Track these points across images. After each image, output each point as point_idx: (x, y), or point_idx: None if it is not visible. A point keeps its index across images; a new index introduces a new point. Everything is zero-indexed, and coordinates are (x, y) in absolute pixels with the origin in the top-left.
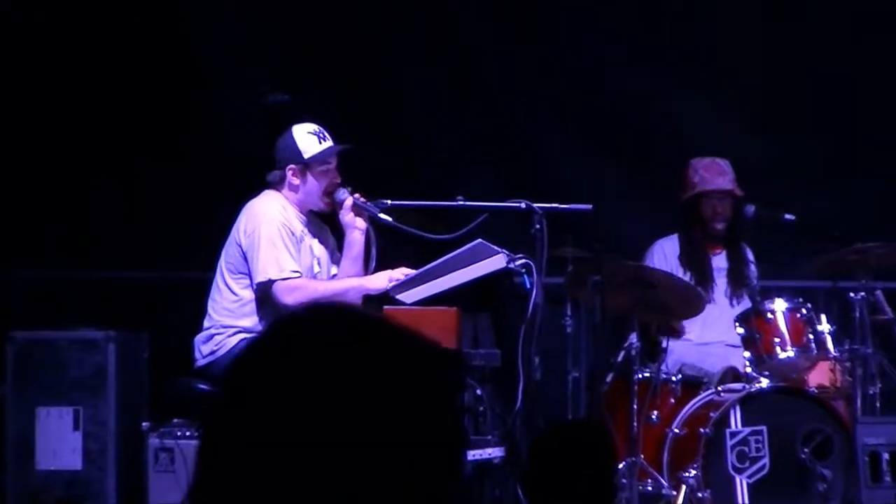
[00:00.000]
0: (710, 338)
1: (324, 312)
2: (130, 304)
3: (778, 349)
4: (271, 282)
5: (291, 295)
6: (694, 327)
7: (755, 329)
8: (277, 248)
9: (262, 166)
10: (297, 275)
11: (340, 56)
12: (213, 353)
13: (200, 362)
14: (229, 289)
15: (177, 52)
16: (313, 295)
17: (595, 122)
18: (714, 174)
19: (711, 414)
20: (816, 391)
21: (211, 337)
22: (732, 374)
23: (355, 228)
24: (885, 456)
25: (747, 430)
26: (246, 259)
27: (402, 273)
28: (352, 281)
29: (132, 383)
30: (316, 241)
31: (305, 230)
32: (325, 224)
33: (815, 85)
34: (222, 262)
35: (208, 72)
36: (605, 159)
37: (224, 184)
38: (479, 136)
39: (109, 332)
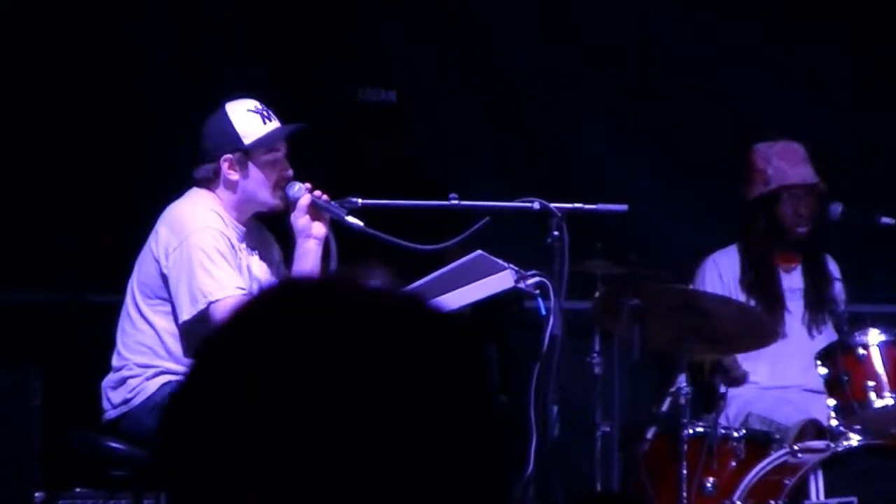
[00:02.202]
0: (784, 381)
1: (316, 288)
2: (16, 334)
3: (872, 395)
4: (211, 304)
5: None
6: (762, 367)
7: (842, 369)
8: (215, 262)
9: (189, 163)
10: (243, 292)
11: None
12: (126, 401)
13: (110, 413)
14: (143, 318)
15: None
16: None
17: (630, 98)
18: (793, 162)
19: (786, 481)
20: None
21: (123, 381)
22: (813, 429)
23: (310, 237)
24: None
25: (833, 502)
26: (165, 282)
27: None
28: None
29: (19, 439)
30: (255, 257)
31: (243, 245)
32: (268, 232)
33: None
34: (134, 283)
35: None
36: (643, 146)
37: (140, 183)
38: (479, 116)
39: None
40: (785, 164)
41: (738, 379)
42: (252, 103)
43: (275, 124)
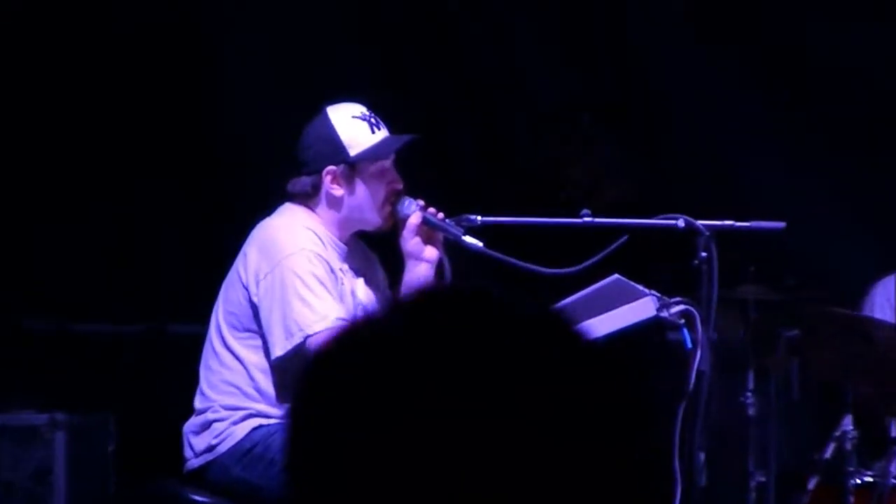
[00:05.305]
0: None
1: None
2: (88, 372)
3: None
4: (308, 338)
5: None
6: None
7: None
8: (312, 289)
9: (282, 173)
10: None
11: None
12: (211, 448)
13: (193, 462)
14: (231, 352)
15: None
16: None
17: (787, 104)
18: None
19: None
20: None
21: (207, 425)
22: None
23: (421, 260)
24: None
25: None
26: (255, 312)
27: None
28: None
29: (91, 489)
30: (361, 281)
31: (345, 267)
32: (372, 252)
33: None
34: (219, 313)
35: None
36: (802, 156)
37: (227, 198)
38: (612, 120)
39: (56, 415)
40: None
41: None
42: (357, 108)
43: (384, 133)
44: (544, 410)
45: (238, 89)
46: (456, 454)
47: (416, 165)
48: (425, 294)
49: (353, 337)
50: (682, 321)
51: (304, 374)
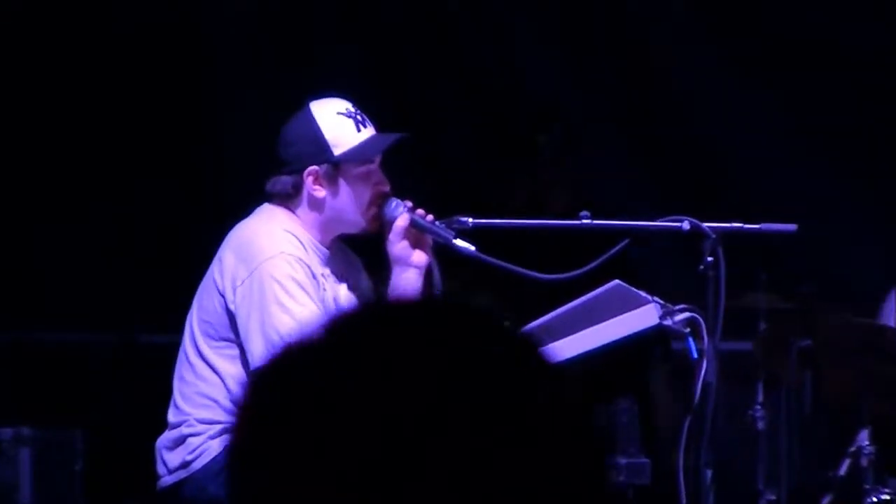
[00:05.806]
0: None
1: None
2: (55, 384)
3: None
4: None
5: None
6: None
7: None
8: (293, 295)
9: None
10: None
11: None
12: (186, 464)
13: (167, 479)
14: (206, 363)
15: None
16: None
17: (800, 96)
18: None
19: None
20: None
21: (182, 439)
22: None
23: (409, 265)
24: None
25: None
26: (232, 320)
27: None
28: None
29: None
30: (343, 286)
31: (327, 271)
32: (355, 257)
33: None
34: (194, 321)
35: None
36: (817, 153)
37: (199, 198)
38: (624, 121)
39: (22, 430)
40: None
41: None
42: (343, 104)
43: (370, 132)
44: (479, 427)
45: (238, 89)
46: (395, 473)
47: (411, 165)
48: (364, 310)
49: (289, 357)
50: (688, 330)
51: (242, 397)
